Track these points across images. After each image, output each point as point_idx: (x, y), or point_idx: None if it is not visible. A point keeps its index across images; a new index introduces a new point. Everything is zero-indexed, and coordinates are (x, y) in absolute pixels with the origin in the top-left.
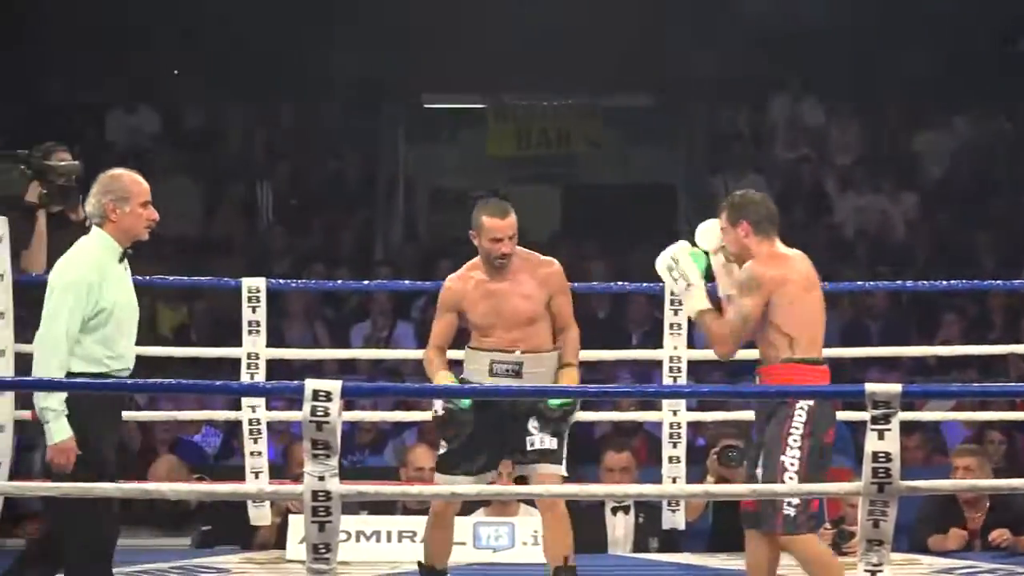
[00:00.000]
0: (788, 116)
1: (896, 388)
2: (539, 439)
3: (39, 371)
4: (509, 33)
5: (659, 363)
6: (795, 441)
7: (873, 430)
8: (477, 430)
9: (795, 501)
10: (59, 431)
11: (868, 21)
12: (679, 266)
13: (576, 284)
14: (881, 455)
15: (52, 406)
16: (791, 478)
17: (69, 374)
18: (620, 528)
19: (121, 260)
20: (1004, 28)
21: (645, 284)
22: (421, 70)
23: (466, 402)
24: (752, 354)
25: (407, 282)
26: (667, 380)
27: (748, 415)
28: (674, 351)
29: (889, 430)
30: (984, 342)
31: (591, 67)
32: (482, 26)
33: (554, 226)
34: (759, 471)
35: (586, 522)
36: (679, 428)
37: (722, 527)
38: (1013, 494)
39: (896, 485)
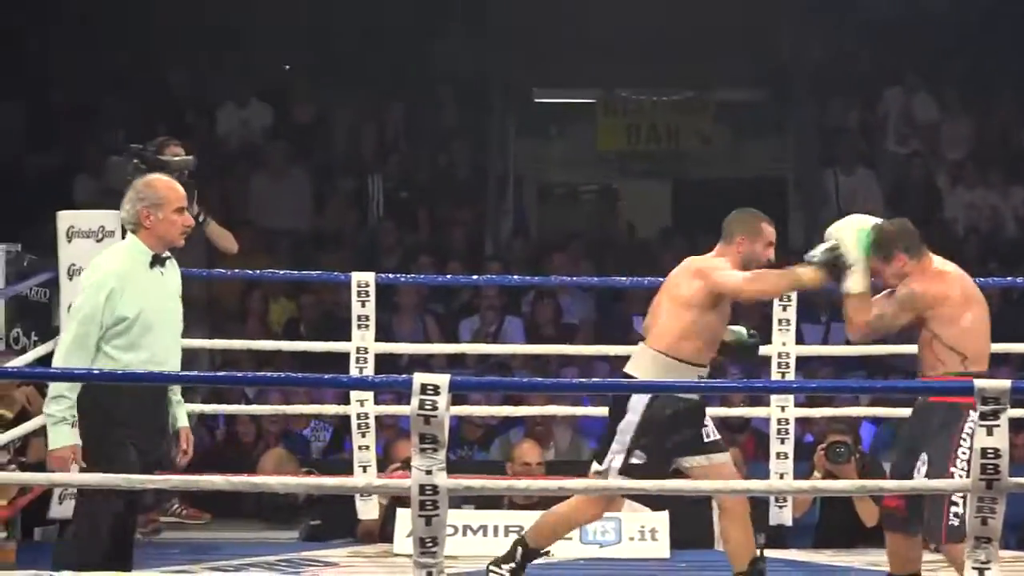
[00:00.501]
0: (899, 110)
1: (1006, 384)
2: (712, 429)
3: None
4: (618, 27)
5: (768, 359)
6: (964, 453)
7: (982, 426)
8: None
9: (959, 511)
10: (57, 438)
11: (978, 14)
12: (842, 247)
13: None
14: (990, 451)
15: (52, 412)
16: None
17: None
18: None
19: (153, 266)
20: None
21: None
22: (530, 65)
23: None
24: (865, 350)
25: (516, 277)
26: (775, 376)
27: (855, 411)
28: (783, 347)
29: (998, 426)
30: None
31: (700, 61)
32: (590, 20)
33: (665, 221)
34: (923, 478)
35: (693, 518)
36: (787, 424)
37: (829, 523)
38: None
39: (1005, 482)
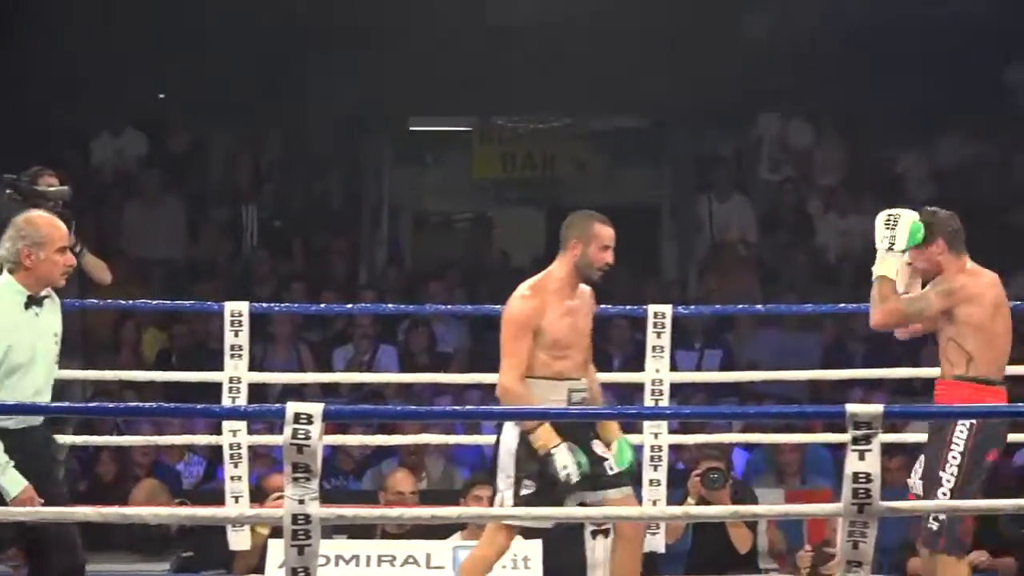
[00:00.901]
0: (773, 136)
1: (877, 409)
2: (610, 463)
3: None
4: (493, 55)
5: (641, 386)
6: (954, 458)
7: (854, 451)
8: None
9: (940, 517)
10: (13, 483)
11: (855, 43)
12: (896, 227)
13: None
14: (862, 476)
15: None
16: (944, 494)
17: None
18: (599, 551)
19: (29, 307)
20: (993, 53)
21: (628, 307)
22: (406, 93)
23: (583, 464)
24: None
25: (390, 306)
26: (649, 402)
27: (728, 437)
28: (656, 373)
29: (870, 451)
30: None
31: (576, 89)
32: (466, 49)
33: (539, 249)
34: (919, 482)
35: (565, 546)
36: (660, 451)
37: (701, 550)
38: (995, 515)
39: (876, 506)
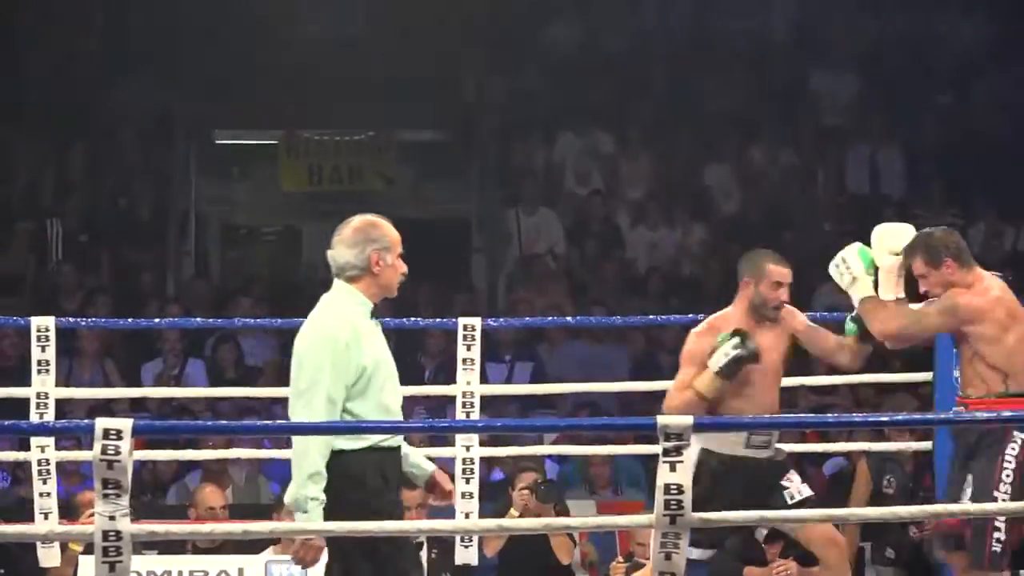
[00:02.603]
0: (579, 150)
1: (688, 420)
2: (797, 490)
3: (296, 458)
4: (300, 68)
5: (452, 398)
6: (1008, 476)
7: (665, 462)
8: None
9: (1002, 536)
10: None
11: (661, 57)
12: (845, 263)
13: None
14: (673, 487)
15: (316, 494)
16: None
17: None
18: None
19: (373, 316)
20: (796, 65)
21: (438, 319)
22: (213, 105)
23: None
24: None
25: (198, 320)
26: (460, 415)
27: (542, 449)
28: (467, 386)
29: (681, 462)
30: None
31: (384, 102)
32: (273, 62)
33: None
34: (968, 501)
35: None
36: (472, 463)
37: (516, 561)
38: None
39: (688, 517)
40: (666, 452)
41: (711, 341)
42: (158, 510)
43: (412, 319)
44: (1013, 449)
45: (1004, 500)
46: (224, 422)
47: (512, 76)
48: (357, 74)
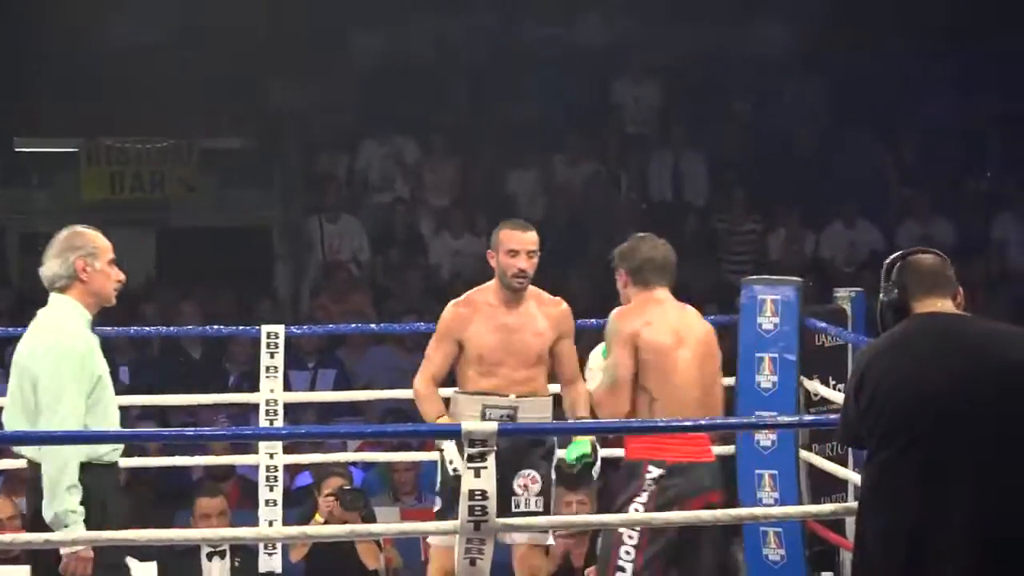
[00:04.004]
0: (383, 157)
1: (492, 427)
2: (524, 500)
3: (54, 472)
4: (102, 75)
5: (256, 406)
6: (637, 508)
7: (470, 468)
8: None
9: (632, 557)
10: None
11: (466, 66)
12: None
13: (171, 328)
14: (477, 493)
15: (75, 507)
16: (627, 552)
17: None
18: (215, 573)
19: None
20: (600, 74)
21: (241, 327)
22: (11, 112)
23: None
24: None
25: None
26: (263, 422)
27: (346, 456)
28: (271, 393)
29: (486, 468)
30: None
31: (186, 110)
32: (74, 68)
33: (149, 271)
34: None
35: (181, 568)
36: (276, 471)
37: (322, 567)
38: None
39: (492, 523)
40: (471, 458)
41: (467, 313)
42: None
43: (215, 327)
44: (647, 491)
45: (632, 538)
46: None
47: (317, 84)
48: (159, 81)
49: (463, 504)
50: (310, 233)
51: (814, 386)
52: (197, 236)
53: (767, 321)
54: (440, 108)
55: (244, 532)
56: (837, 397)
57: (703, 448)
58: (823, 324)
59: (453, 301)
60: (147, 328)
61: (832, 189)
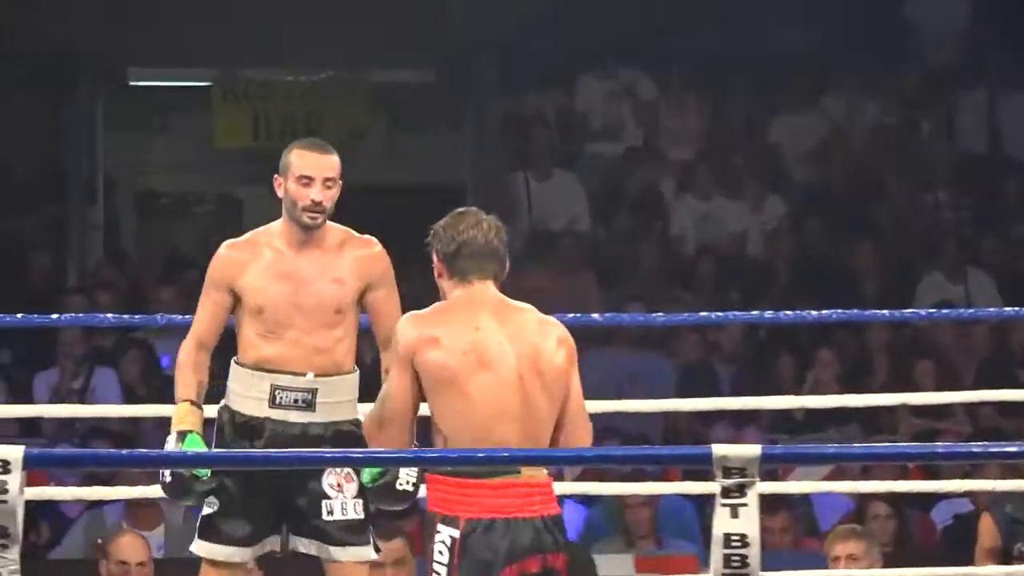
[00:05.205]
0: (608, 97)
1: (754, 451)
2: (339, 504)
3: None
4: None
5: None
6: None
7: (725, 506)
8: (242, 483)
9: None
10: None
11: None
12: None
13: None
14: (735, 539)
15: None
16: None
17: None
18: None
19: None
20: None
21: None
22: (125, 38)
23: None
24: None
25: (109, 316)
26: None
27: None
28: None
29: (745, 505)
30: (865, 390)
31: (351, 33)
32: None
33: None
34: None
35: None
36: None
37: None
38: None
39: None
40: (726, 492)
41: (244, 258)
42: (55, 565)
43: None
44: (443, 552)
45: None
46: (141, 451)
47: (518, 4)
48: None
49: (715, 552)
50: (513, 194)
51: None
52: (365, 197)
53: None
54: (682, 32)
55: None
56: None
57: (526, 500)
58: None
59: (227, 242)
60: None
61: None
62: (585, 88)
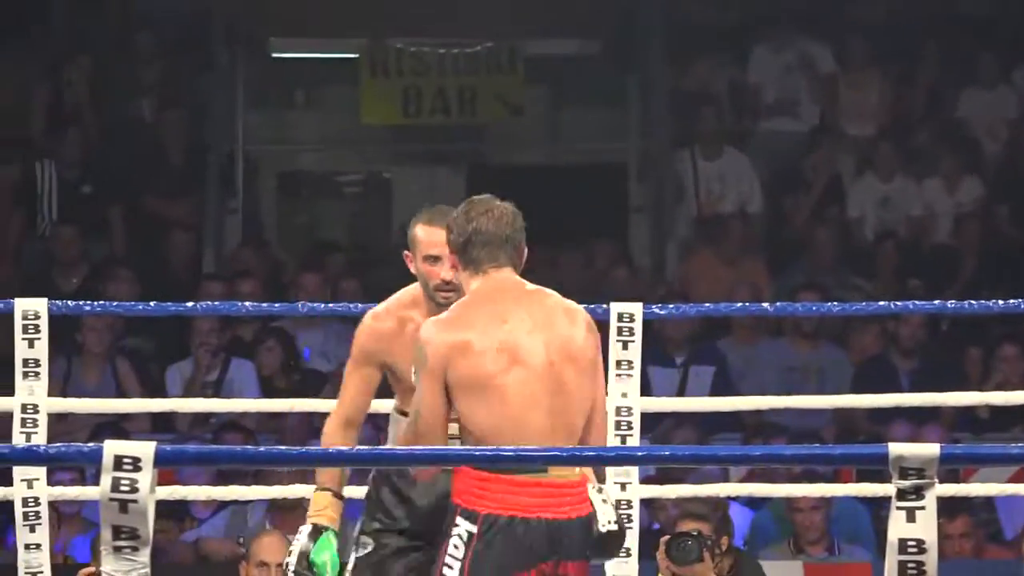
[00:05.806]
0: (782, 70)
1: (933, 450)
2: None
3: None
4: None
5: None
6: (452, 564)
7: (900, 509)
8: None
9: None
10: None
11: None
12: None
13: None
14: (911, 544)
15: None
16: None
17: None
18: None
19: None
20: None
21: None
22: (266, 7)
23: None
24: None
25: (247, 305)
26: (614, 440)
27: (723, 488)
28: (623, 399)
29: (923, 509)
30: None
31: (507, 0)
32: None
33: None
34: None
35: None
36: (630, 507)
37: None
38: None
39: None
40: (902, 494)
41: (391, 330)
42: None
43: None
44: (458, 546)
45: None
46: (281, 448)
47: None
48: None
49: (890, 559)
50: (680, 173)
51: None
52: (522, 176)
53: None
54: (858, 5)
55: None
56: None
57: (550, 500)
58: None
59: (371, 312)
60: None
61: None
62: (758, 60)
